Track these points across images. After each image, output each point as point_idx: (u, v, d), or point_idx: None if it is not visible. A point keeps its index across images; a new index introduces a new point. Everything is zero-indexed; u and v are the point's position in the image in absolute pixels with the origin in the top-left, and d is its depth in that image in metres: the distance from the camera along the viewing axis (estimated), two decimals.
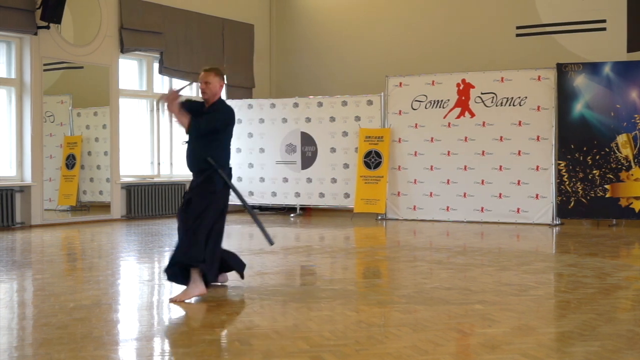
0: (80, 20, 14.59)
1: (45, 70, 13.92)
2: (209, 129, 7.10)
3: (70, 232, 13.04)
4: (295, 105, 16.14)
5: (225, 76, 7.55)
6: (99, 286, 7.59)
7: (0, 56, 13.70)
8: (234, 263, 7.59)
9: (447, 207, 14.54)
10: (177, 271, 7.04)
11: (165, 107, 7.19)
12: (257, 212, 16.53)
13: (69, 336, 5.53)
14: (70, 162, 15.23)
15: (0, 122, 13.70)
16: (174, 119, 7.24)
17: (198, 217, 7.01)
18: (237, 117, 16.16)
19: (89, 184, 15.32)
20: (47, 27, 13.55)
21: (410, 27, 16.74)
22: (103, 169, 15.16)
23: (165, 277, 7.18)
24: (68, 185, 15.24)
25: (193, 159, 7.23)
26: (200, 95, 7.33)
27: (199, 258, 6.92)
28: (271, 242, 7.61)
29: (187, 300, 6.75)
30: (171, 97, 7.11)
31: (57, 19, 13.41)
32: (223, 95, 17.01)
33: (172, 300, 6.78)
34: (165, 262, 9.54)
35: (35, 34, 13.47)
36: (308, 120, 15.96)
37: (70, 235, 12.70)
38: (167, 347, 5.36)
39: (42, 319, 6.17)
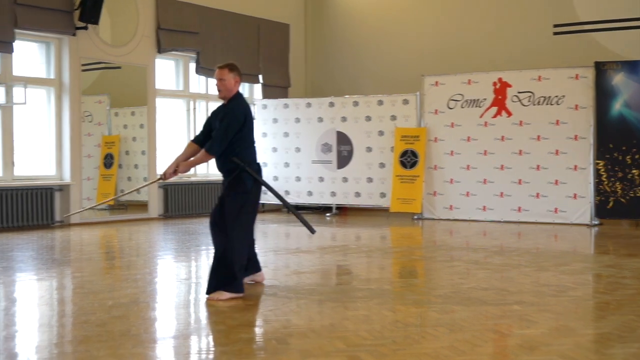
0: (117, 20, 14.71)
1: (83, 70, 14.06)
2: (226, 141, 7.06)
3: (109, 230, 13.16)
4: (331, 104, 16.14)
5: (240, 71, 7.35)
6: (136, 284, 7.65)
7: (40, 57, 13.85)
8: (252, 266, 7.59)
9: (484, 207, 14.47)
10: (213, 279, 7.00)
11: (180, 173, 7.29)
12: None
13: (107, 334, 5.58)
14: (108, 161, 15.36)
15: (39, 122, 13.86)
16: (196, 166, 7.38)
17: (235, 219, 7.00)
18: (273, 116, 16.58)
19: (126, 183, 15.45)
20: (85, 28, 13.68)
21: (446, 26, 16.67)
22: (141, 168, 15.28)
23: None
24: (106, 184, 15.37)
25: (220, 161, 7.20)
26: (218, 94, 7.27)
27: (236, 284, 7.00)
28: (312, 231, 7.56)
29: (223, 299, 6.76)
30: (172, 174, 7.20)
31: (95, 20, 13.54)
32: (258, 93, 17.20)
33: (209, 299, 6.80)
34: (202, 260, 9.62)
35: (74, 34, 13.61)
36: (344, 119, 15.96)
37: (109, 233, 12.81)
38: (204, 345, 5.39)
39: (81, 316, 6.23)
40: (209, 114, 7.49)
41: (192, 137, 15.70)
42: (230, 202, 7.07)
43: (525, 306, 6.51)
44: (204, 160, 7.31)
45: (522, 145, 14.12)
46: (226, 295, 6.84)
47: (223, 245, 6.98)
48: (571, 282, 7.79)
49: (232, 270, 6.92)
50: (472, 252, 10.32)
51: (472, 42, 16.25)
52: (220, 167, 7.24)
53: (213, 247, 7.21)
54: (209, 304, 6.70)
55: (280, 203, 7.73)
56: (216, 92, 7.26)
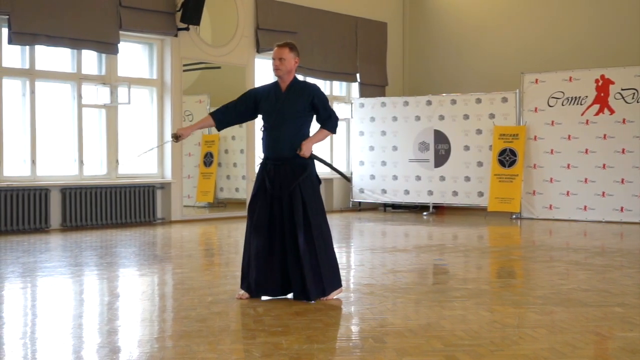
0: (218, 21, 14.96)
1: (184, 70, 14.35)
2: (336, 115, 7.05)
3: (208, 228, 13.39)
4: (429, 102, 16.05)
5: (299, 54, 7.14)
6: (235, 281, 7.74)
7: (143, 57, 14.20)
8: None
9: (585, 207, 14.17)
10: (321, 282, 6.75)
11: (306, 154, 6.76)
12: (390, 210, 16.61)
13: (207, 329, 5.69)
14: (208, 159, 15.65)
15: (142, 121, 14.20)
16: (318, 143, 6.86)
17: (322, 210, 6.82)
18: (370, 115, 16.62)
19: (225, 181, 15.70)
20: (187, 29, 13.95)
21: (546, 23, 16.38)
22: (239, 167, 15.50)
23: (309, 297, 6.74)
24: (206, 182, 15.66)
25: (288, 144, 6.73)
26: (273, 73, 6.98)
27: (339, 281, 6.94)
28: (348, 179, 7.28)
29: (326, 298, 6.77)
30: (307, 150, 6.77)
31: (196, 21, 13.79)
32: (355, 92, 17.21)
33: (326, 300, 6.74)
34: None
35: (176, 35, 13.91)
36: (441, 118, 15.85)
37: (208, 231, 13.04)
38: (301, 342, 5.43)
39: (181, 312, 6.35)
40: (252, 96, 7.01)
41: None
42: (312, 193, 6.76)
43: (628, 308, 6.36)
44: (321, 140, 6.98)
45: (625, 144, 13.78)
46: (336, 292, 6.86)
47: (309, 244, 6.67)
48: None
49: (335, 264, 6.90)
50: (572, 253, 10.13)
51: (573, 38, 15.93)
52: (283, 152, 6.73)
53: (262, 247, 6.77)
54: (306, 302, 6.72)
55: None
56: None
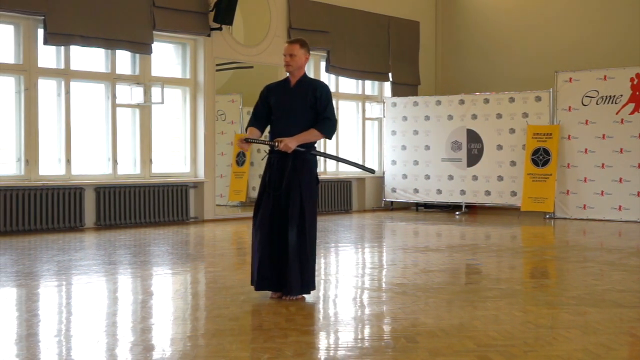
0: (250, 21, 15.00)
1: (217, 70, 14.40)
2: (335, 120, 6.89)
3: (240, 227, 13.42)
4: (461, 102, 15.99)
5: (309, 50, 7.14)
6: None
7: (176, 57, 14.28)
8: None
9: (619, 207, 14.03)
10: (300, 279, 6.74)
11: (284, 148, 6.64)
12: (422, 210, 16.56)
13: (240, 328, 5.71)
14: (240, 159, 15.69)
15: (176, 120, 14.28)
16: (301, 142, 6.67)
17: (313, 210, 6.85)
18: (402, 114, 16.60)
19: (257, 180, 15.69)
20: (220, 29, 14.00)
21: (580, 21, 16.23)
22: None
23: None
24: (238, 181, 15.72)
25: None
26: (285, 69, 6.99)
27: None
28: (372, 171, 7.34)
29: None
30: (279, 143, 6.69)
31: (229, 21, 13.84)
32: (388, 91, 17.17)
33: (296, 299, 6.71)
34: (331, 258, 9.67)
35: (209, 35, 13.97)
36: (474, 117, 15.77)
37: (240, 230, 13.07)
38: (332, 341, 5.43)
39: (214, 310, 6.38)
40: (265, 94, 7.15)
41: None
42: (309, 191, 6.73)
43: None
44: (310, 140, 6.77)
45: None
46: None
47: (300, 240, 6.65)
48: None
49: (314, 266, 6.87)
50: (606, 253, 10.04)
51: (607, 36, 15.78)
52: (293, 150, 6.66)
53: (263, 241, 6.74)
54: (339, 300, 6.73)
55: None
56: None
